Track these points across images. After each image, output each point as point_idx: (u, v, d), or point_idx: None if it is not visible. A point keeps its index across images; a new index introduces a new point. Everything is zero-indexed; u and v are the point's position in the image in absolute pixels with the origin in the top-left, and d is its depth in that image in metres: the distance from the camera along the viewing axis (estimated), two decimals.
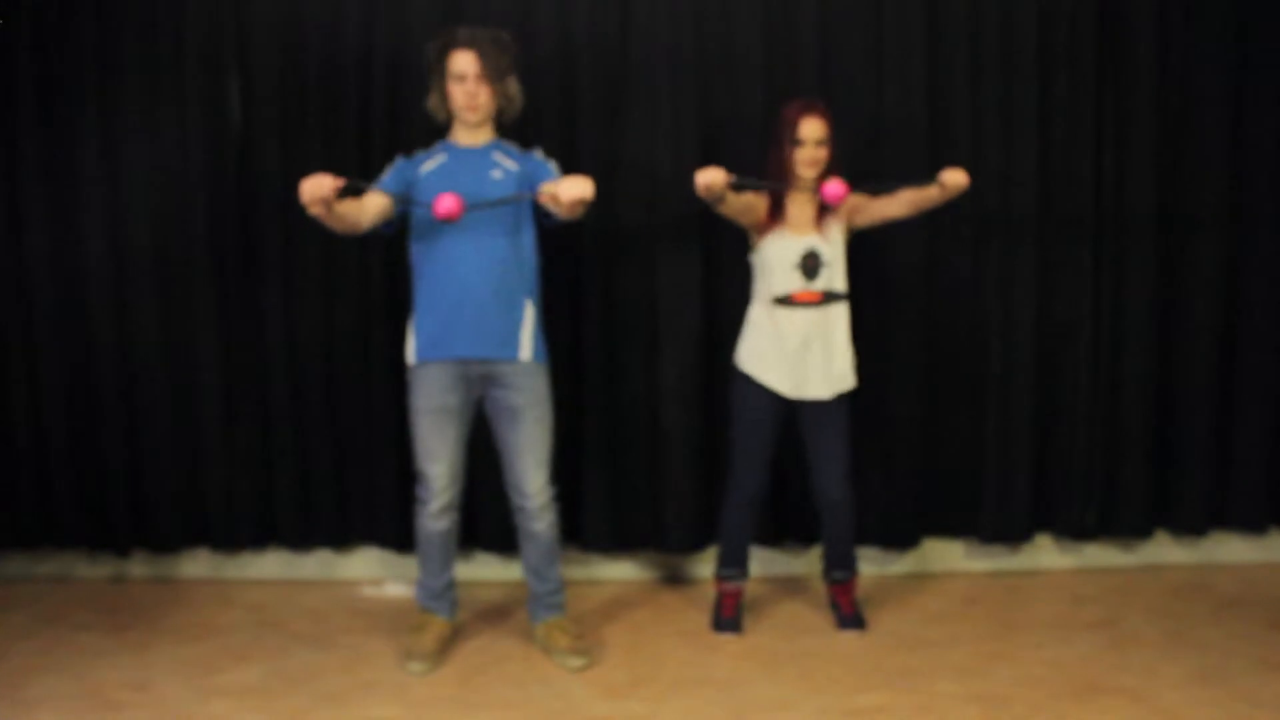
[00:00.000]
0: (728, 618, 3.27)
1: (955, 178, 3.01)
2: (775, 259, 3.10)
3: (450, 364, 2.96)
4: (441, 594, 3.13)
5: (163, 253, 3.58)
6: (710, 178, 2.88)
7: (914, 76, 3.54)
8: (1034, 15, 3.55)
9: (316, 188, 2.70)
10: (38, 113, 3.54)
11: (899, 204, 3.13)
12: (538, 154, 3.09)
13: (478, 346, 2.94)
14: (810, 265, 3.08)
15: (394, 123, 3.48)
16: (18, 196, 3.57)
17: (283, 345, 3.60)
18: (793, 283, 3.08)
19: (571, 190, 2.79)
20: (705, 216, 3.47)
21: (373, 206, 2.94)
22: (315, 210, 2.73)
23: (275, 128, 3.54)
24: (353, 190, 2.88)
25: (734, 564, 3.27)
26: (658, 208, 3.54)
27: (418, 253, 3.01)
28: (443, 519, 3.04)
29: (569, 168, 3.47)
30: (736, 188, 2.96)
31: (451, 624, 3.17)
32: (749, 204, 3.08)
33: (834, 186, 2.92)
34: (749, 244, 3.21)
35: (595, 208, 3.48)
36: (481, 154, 3.01)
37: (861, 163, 3.47)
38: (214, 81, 3.54)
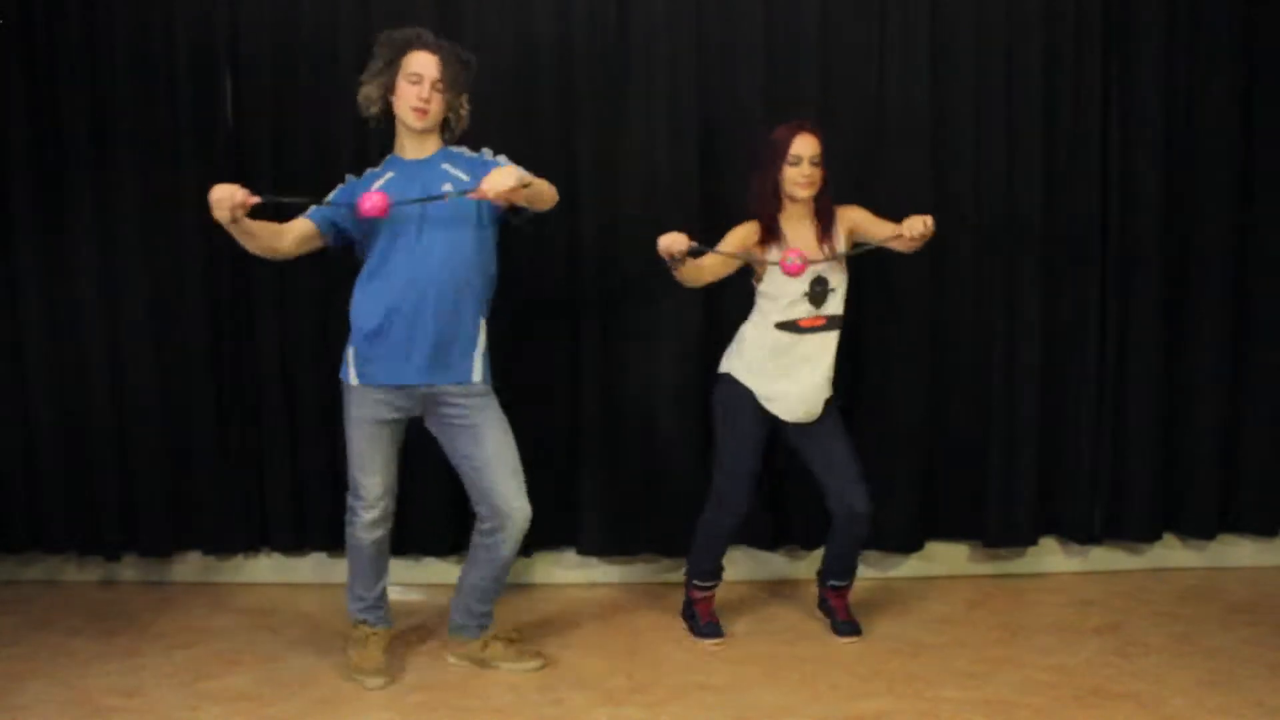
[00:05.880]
0: (709, 623, 3.21)
1: (915, 226, 2.86)
2: (784, 289, 3.00)
3: (393, 388, 2.84)
4: (376, 604, 3.03)
5: (153, 254, 3.54)
6: (669, 241, 2.83)
7: (916, 75, 3.50)
8: (1039, 11, 3.51)
9: (224, 196, 2.57)
10: (28, 112, 3.52)
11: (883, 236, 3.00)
12: (487, 153, 2.91)
13: (428, 374, 2.81)
14: (818, 293, 3.01)
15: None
16: (10, 186, 3.54)
17: (275, 346, 3.56)
18: (799, 310, 3.01)
19: (496, 185, 2.63)
20: (705, 215, 3.43)
21: (295, 231, 2.81)
22: (220, 217, 2.60)
23: (267, 128, 3.51)
24: (272, 208, 2.72)
25: (714, 576, 3.21)
26: (657, 208, 3.49)
27: (366, 271, 2.86)
28: (376, 530, 2.94)
29: (567, 167, 3.45)
30: (695, 254, 2.88)
31: (390, 631, 3.07)
32: (725, 265, 3.00)
33: (793, 261, 2.82)
34: (753, 275, 3.08)
35: (595, 207, 3.49)
36: (429, 166, 2.85)
37: (863, 163, 3.44)
38: (206, 81, 3.50)
